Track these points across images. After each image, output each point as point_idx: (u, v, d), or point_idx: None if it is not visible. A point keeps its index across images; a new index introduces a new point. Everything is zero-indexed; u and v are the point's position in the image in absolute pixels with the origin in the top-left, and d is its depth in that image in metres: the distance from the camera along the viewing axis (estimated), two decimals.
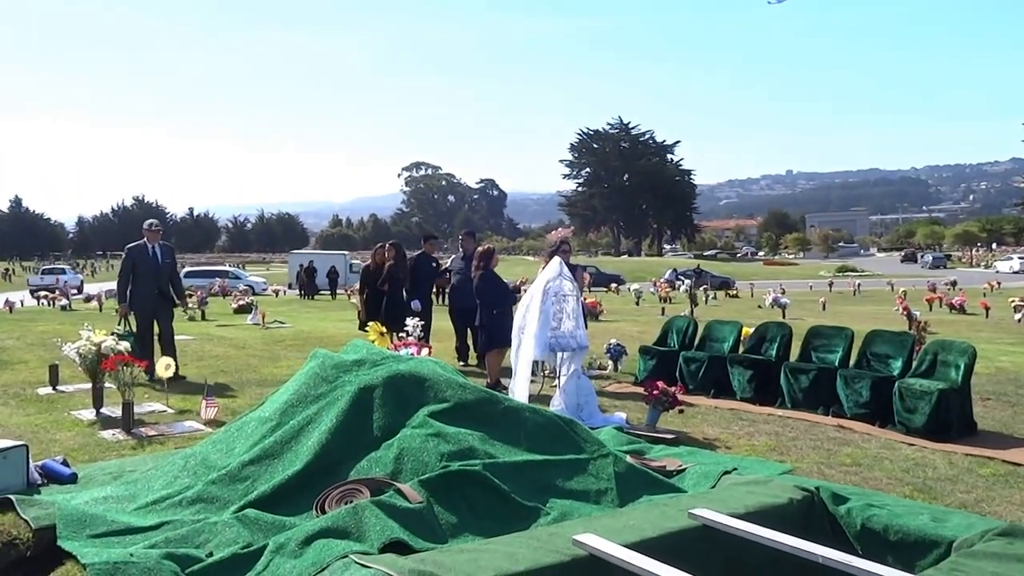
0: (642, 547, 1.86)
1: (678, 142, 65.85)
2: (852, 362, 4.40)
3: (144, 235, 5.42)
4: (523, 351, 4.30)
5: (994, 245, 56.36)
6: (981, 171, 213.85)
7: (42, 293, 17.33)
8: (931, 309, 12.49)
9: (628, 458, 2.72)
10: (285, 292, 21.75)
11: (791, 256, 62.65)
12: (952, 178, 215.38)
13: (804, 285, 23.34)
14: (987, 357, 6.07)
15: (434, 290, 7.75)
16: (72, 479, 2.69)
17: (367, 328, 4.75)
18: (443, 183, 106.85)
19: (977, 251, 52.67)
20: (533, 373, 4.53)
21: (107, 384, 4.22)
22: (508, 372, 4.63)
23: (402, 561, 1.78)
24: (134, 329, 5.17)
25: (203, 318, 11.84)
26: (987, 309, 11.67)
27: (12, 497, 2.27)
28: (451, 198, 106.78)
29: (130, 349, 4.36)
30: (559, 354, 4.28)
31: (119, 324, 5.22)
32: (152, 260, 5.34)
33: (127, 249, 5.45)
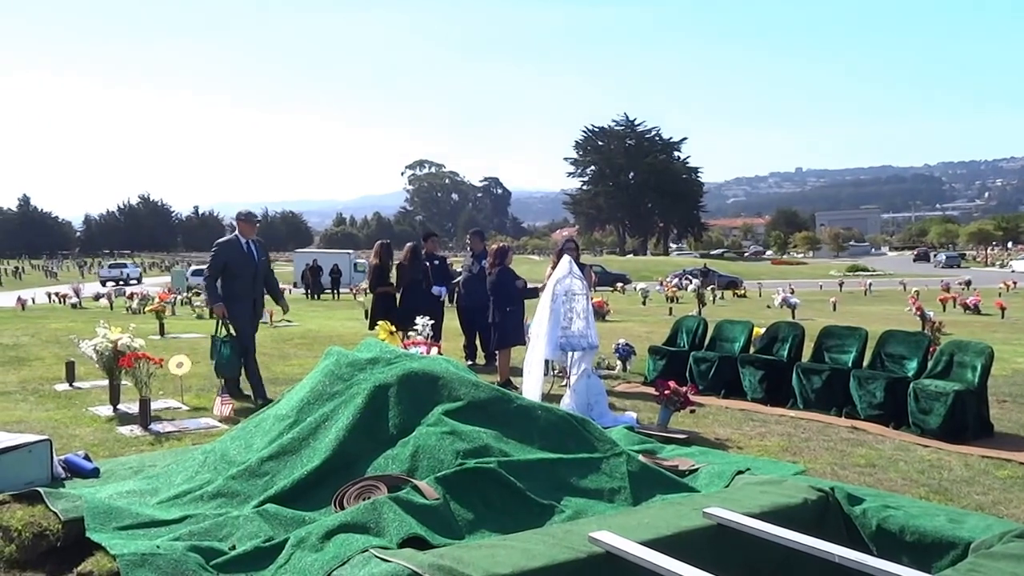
0: (657, 545, 1.87)
1: (685, 139, 65.44)
2: (866, 363, 4.38)
3: (236, 228, 4.50)
4: (534, 351, 4.32)
5: (1010, 244, 55.54)
6: (997, 167, 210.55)
7: (54, 291, 17.89)
8: (945, 309, 12.35)
9: (641, 457, 2.72)
10: (291, 291, 21.91)
11: (800, 255, 62.11)
12: (966, 175, 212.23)
13: (814, 285, 23.21)
14: (1003, 358, 6.01)
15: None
16: (95, 473, 2.75)
17: (377, 326, 4.78)
18: (447, 181, 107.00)
19: (992, 250, 51.97)
20: (546, 373, 4.55)
21: (123, 381, 4.28)
22: (518, 371, 4.65)
23: (421, 556, 1.80)
24: (233, 332, 4.32)
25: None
26: (1003, 309, 11.51)
27: (41, 490, 2.32)
28: (455, 196, 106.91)
29: (229, 357, 4.01)
30: (570, 354, 4.29)
31: (217, 328, 4.38)
32: (248, 258, 4.42)
33: (217, 245, 4.50)
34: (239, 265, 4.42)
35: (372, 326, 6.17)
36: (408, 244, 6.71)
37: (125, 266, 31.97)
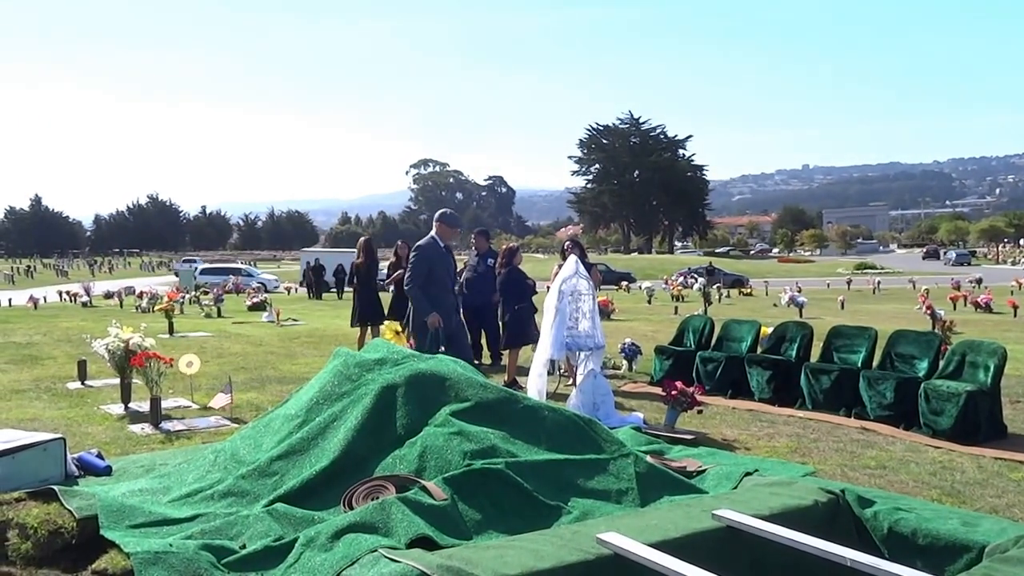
0: (665, 546, 1.87)
1: (690, 137, 64.93)
2: (876, 363, 4.34)
3: (437, 230, 3.98)
4: (539, 350, 4.31)
5: (1022, 241, 54.65)
6: (1008, 163, 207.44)
7: (65, 289, 18.12)
8: (955, 308, 12.16)
9: (648, 458, 2.72)
10: (296, 290, 22.04)
11: (807, 253, 61.51)
12: (977, 171, 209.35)
13: (821, 283, 22.93)
14: (1016, 358, 5.91)
15: None
16: (107, 471, 2.78)
17: (383, 326, 4.80)
18: (451, 180, 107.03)
19: (1003, 247, 51.16)
20: (548, 372, 4.54)
21: (134, 380, 4.33)
22: (525, 371, 4.64)
23: (430, 556, 1.81)
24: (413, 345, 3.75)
25: (219, 315, 12.09)
26: (1015, 308, 11.33)
27: (56, 488, 2.35)
28: (459, 195, 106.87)
29: None
30: (577, 353, 4.28)
31: (426, 343, 3.79)
32: (449, 263, 4.02)
33: (419, 249, 4.00)
34: (441, 271, 3.94)
35: (375, 323, 6.24)
36: (399, 241, 6.76)
37: (195, 260, 36.20)
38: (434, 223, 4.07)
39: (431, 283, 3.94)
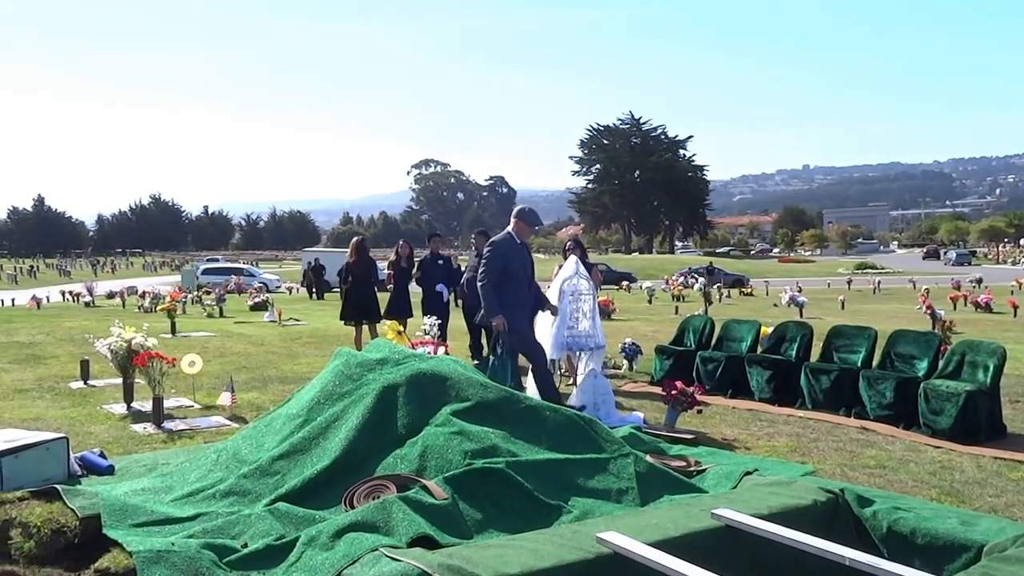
0: (665, 546, 1.88)
1: (690, 137, 64.90)
2: (875, 363, 4.34)
3: (514, 227, 3.77)
4: None
5: (1022, 241, 54.58)
6: (1008, 164, 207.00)
7: (68, 289, 18.20)
8: (955, 308, 12.15)
9: (648, 458, 2.73)
10: (298, 290, 22.08)
11: (807, 253, 61.47)
12: (977, 171, 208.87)
13: (821, 283, 22.93)
14: (1016, 358, 5.92)
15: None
16: (110, 471, 2.79)
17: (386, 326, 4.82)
18: (452, 180, 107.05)
19: (1004, 247, 51.06)
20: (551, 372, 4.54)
21: (136, 379, 4.35)
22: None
23: (431, 555, 1.82)
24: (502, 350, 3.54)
25: (221, 315, 12.11)
26: (1015, 307, 11.32)
27: (59, 487, 2.37)
28: (460, 195, 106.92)
29: (509, 381, 3.15)
30: (577, 353, 4.29)
31: (496, 347, 3.61)
32: (526, 260, 3.77)
33: (494, 244, 3.78)
34: (518, 268, 3.70)
35: (371, 321, 6.30)
36: (400, 241, 6.83)
37: (217, 260, 37.80)
38: (511, 219, 3.86)
39: (507, 280, 3.72)
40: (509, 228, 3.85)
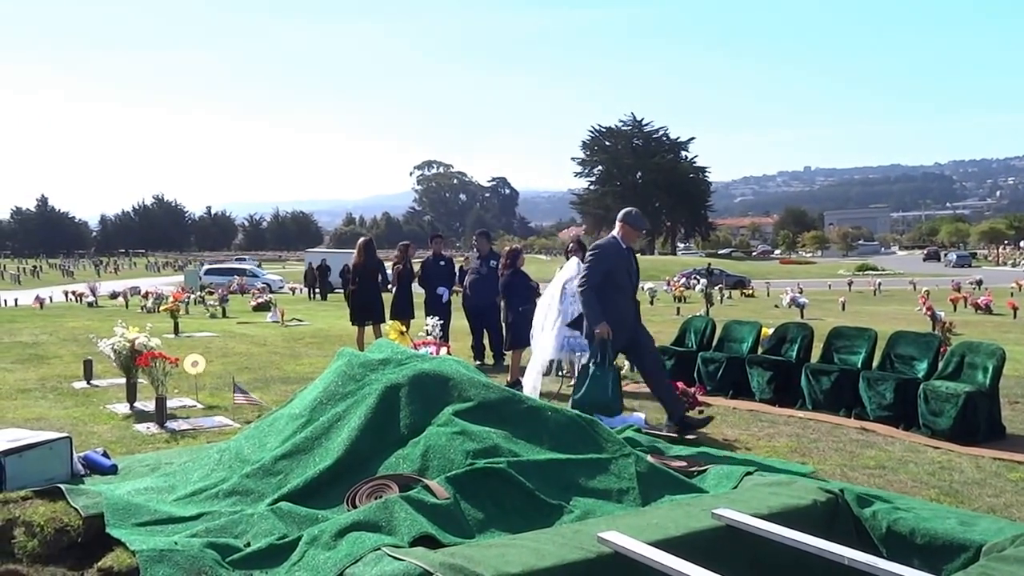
0: (666, 545, 1.89)
1: (692, 139, 64.97)
2: (875, 364, 4.35)
3: (620, 231, 3.57)
4: (539, 349, 4.34)
5: (1022, 243, 54.57)
6: (1009, 166, 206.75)
7: (71, 289, 18.27)
8: (955, 309, 12.16)
9: (649, 458, 2.74)
10: (301, 290, 22.14)
11: (808, 254, 61.49)
12: (978, 173, 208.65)
13: (822, 284, 22.93)
14: (1016, 359, 5.92)
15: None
16: (113, 470, 2.81)
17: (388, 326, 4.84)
18: (455, 181, 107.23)
19: (1004, 249, 50.99)
20: (548, 372, 4.56)
21: (139, 379, 4.36)
22: (523, 371, 4.67)
23: (432, 555, 1.83)
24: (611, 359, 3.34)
25: (224, 315, 12.14)
26: (1015, 309, 11.33)
27: (62, 487, 2.38)
28: (463, 196, 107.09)
29: (612, 389, 3.03)
30: (577, 354, 4.31)
31: (598, 355, 3.40)
32: (632, 266, 3.58)
33: (598, 248, 3.59)
34: (622, 274, 3.53)
35: (375, 322, 6.30)
36: (401, 243, 6.86)
37: (244, 259, 39.13)
38: (617, 223, 3.61)
39: (610, 286, 3.51)
40: (615, 232, 3.61)
